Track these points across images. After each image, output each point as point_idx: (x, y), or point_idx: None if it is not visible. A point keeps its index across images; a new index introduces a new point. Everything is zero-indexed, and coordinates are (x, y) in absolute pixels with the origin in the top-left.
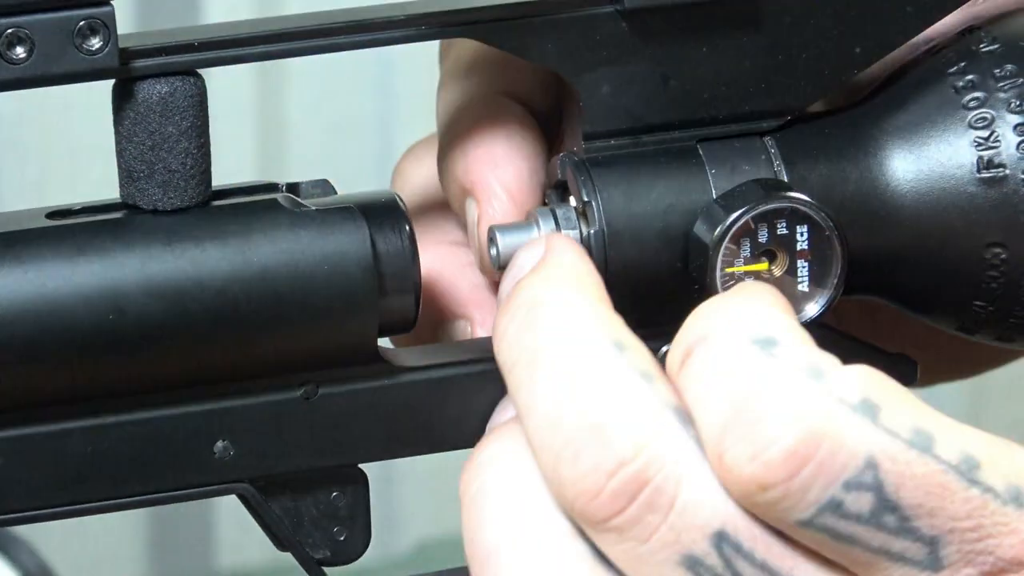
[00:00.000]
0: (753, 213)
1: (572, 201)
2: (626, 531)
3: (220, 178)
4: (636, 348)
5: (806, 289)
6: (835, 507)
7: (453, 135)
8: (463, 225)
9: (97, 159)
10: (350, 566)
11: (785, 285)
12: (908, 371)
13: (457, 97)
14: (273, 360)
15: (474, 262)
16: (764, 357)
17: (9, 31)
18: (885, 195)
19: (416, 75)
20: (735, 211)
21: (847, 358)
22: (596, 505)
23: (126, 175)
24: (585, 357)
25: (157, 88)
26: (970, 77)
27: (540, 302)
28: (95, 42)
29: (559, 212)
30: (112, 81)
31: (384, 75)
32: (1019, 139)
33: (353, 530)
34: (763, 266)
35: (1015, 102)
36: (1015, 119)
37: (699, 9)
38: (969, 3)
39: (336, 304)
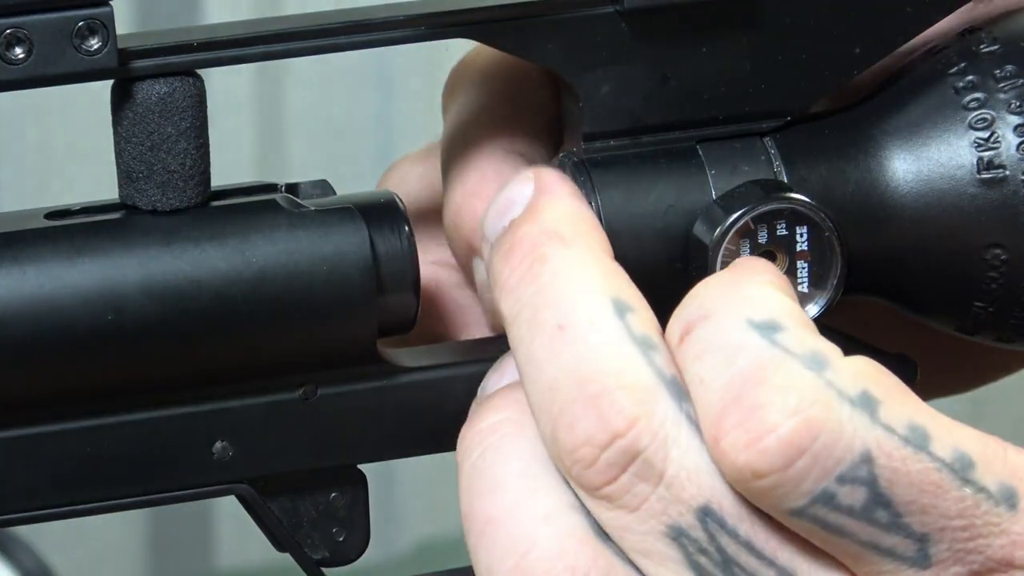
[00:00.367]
0: (753, 214)
1: None
2: (616, 499)
3: (220, 178)
4: (637, 308)
5: (806, 290)
6: (827, 499)
7: (461, 195)
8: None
9: (96, 159)
10: (349, 566)
11: None
12: (908, 371)
13: (463, 151)
14: (272, 360)
15: (462, 282)
16: (765, 343)
17: (8, 31)
18: (885, 196)
19: (416, 75)
20: (735, 212)
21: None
22: (591, 473)
23: (125, 176)
24: (584, 321)
25: (156, 88)
26: (970, 78)
27: (542, 255)
28: (94, 42)
29: None
30: (111, 81)
31: (384, 75)
32: (1019, 140)
33: (352, 531)
34: None
35: (1015, 103)
36: (1015, 120)
37: (699, 9)
38: (970, 4)
39: (335, 305)
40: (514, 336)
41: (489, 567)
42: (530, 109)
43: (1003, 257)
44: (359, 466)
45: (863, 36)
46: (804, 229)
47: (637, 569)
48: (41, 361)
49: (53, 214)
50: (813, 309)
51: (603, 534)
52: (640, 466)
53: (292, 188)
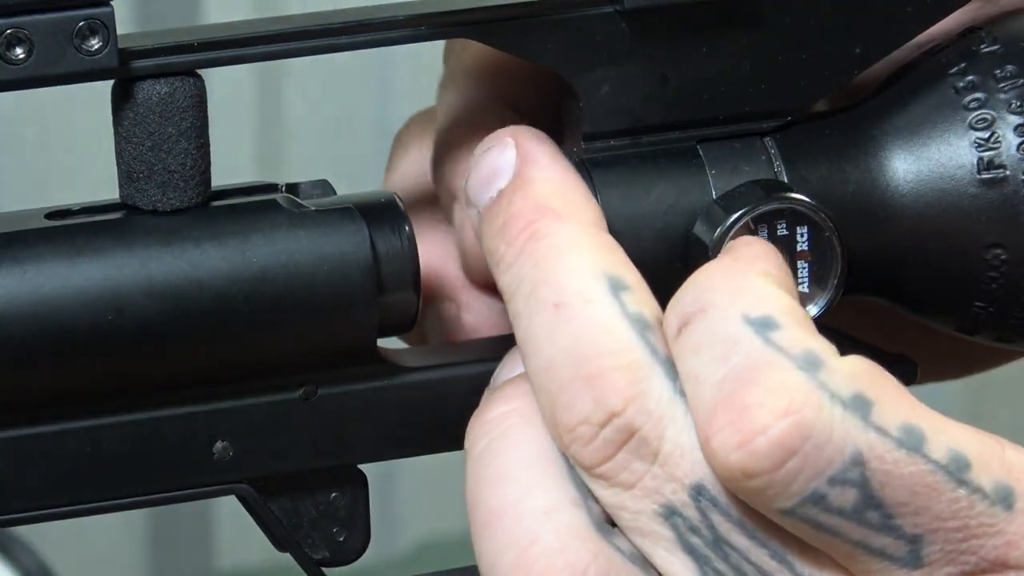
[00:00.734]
0: (753, 214)
1: None
2: (613, 478)
3: (220, 178)
4: (632, 286)
5: (806, 290)
6: (818, 500)
7: (447, 139)
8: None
9: (97, 159)
10: (349, 566)
11: None
12: (908, 371)
13: (455, 101)
14: (272, 360)
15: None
16: (759, 341)
17: (8, 31)
18: (885, 196)
19: (416, 75)
20: (735, 212)
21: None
22: (588, 451)
23: (125, 175)
24: (580, 300)
25: (157, 88)
26: (971, 78)
27: (536, 230)
28: (94, 42)
29: None
30: (112, 81)
31: (384, 75)
32: (1019, 140)
33: (352, 531)
34: None
35: (1016, 103)
36: (1016, 120)
37: (699, 9)
38: (971, 5)
39: (335, 305)
40: (513, 311)
41: (491, 559)
42: (520, 111)
43: (1003, 257)
44: (359, 466)
45: (863, 36)
46: (804, 229)
47: (638, 564)
48: (41, 361)
49: (54, 214)
50: (813, 309)
51: (605, 529)
52: (636, 444)
53: (292, 188)
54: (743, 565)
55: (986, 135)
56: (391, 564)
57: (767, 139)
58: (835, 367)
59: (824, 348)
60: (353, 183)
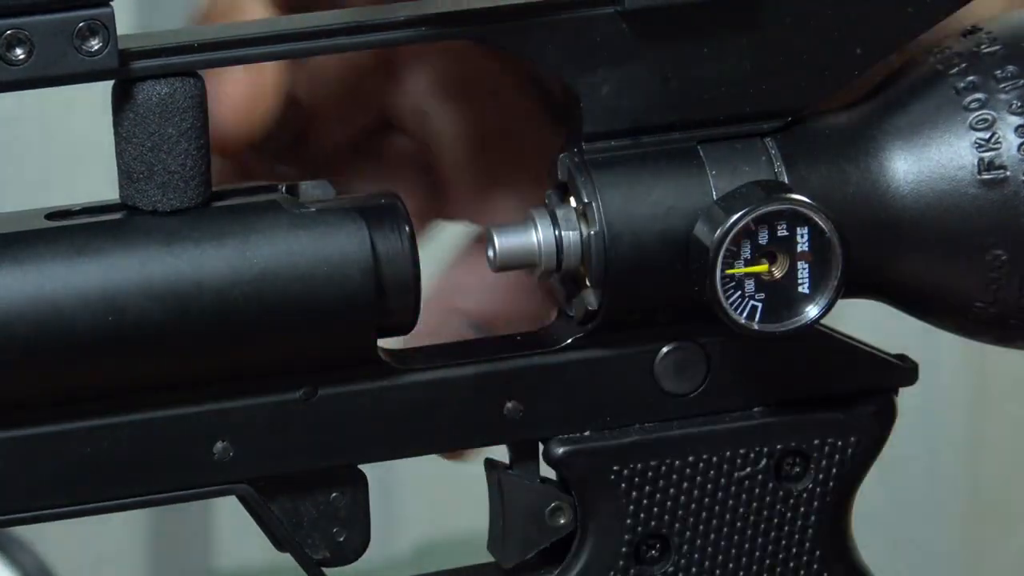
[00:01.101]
0: (753, 215)
1: (572, 202)
2: None
3: None
4: None
5: (807, 291)
6: None
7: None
8: None
9: (97, 159)
10: (350, 566)
11: (785, 287)
12: (908, 371)
13: None
14: (272, 361)
15: None
16: None
17: (8, 32)
18: (886, 197)
19: None
20: (735, 213)
21: (847, 360)
22: None
23: (125, 176)
24: None
25: (157, 89)
26: (971, 78)
27: None
28: (95, 43)
29: (559, 213)
30: (112, 82)
31: None
32: (1020, 141)
33: (352, 531)
34: (763, 268)
35: (1016, 104)
36: (1016, 121)
37: (700, 10)
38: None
39: (335, 305)
40: None
41: None
42: None
43: (1003, 258)
44: (359, 466)
45: (864, 37)
46: (805, 230)
47: None
48: (42, 362)
49: (54, 215)
50: (814, 310)
51: None
52: None
53: (292, 189)
54: None
55: (987, 136)
56: (391, 564)
57: (768, 140)
58: None
59: None
60: None
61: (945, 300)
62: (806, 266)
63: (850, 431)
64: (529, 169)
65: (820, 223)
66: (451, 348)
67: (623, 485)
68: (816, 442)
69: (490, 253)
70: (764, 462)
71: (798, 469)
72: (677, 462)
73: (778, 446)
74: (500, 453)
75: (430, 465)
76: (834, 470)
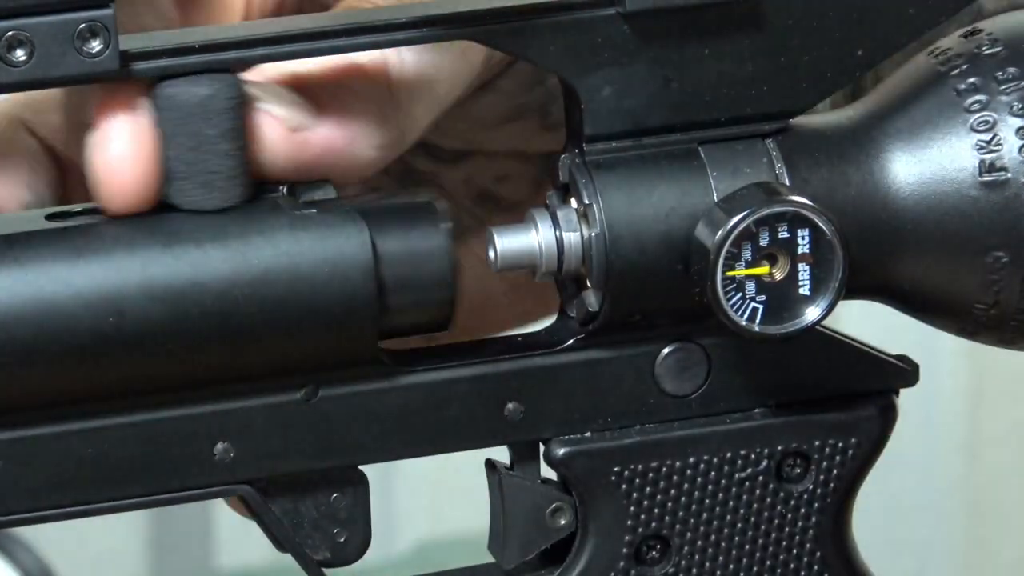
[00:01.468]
0: (755, 217)
1: (573, 203)
2: None
3: None
4: None
5: (807, 293)
6: None
7: None
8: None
9: None
10: (350, 567)
11: (787, 289)
12: (909, 372)
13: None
14: (273, 362)
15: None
16: None
17: (9, 34)
18: (887, 198)
19: None
20: (736, 214)
21: (847, 361)
22: None
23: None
24: None
25: (194, 91)
26: (972, 80)
27: None
28: (95, 44)
29: (560, 214)
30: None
31: None
32: (1021, 142)
33: (353, 531)
34: (764, 269)
35: (1017, 105)
36: (1017, 122)
37: (701, 11)
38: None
39: (336, 306)
40: None
41: None
42: None
43: (1004, 259)
44: (360, 467)
45: (865, 38)
46: (806, 232)
47: None
48: (42, 363)
49: (54, 215)
50: (815, 312)
51: None
52: None
53: (293, 189)
54: None
55: (987, 137)
56: (391, 564)
57: (769, 141)
58: None
59: None
60: None
61: (946, 301)
62: (807, 268)
63: (851, 432)
64: None
65: (821, 225)
66: (451, 348)
67: (624, 486)
68: (817, 443)
69: (491, 254)
70: (765, 463)
71: (799, 470)
72: (678, 463)
73: (779, 447)
74: (501, 454)
75: (430, 465)
76: (835, 471)
